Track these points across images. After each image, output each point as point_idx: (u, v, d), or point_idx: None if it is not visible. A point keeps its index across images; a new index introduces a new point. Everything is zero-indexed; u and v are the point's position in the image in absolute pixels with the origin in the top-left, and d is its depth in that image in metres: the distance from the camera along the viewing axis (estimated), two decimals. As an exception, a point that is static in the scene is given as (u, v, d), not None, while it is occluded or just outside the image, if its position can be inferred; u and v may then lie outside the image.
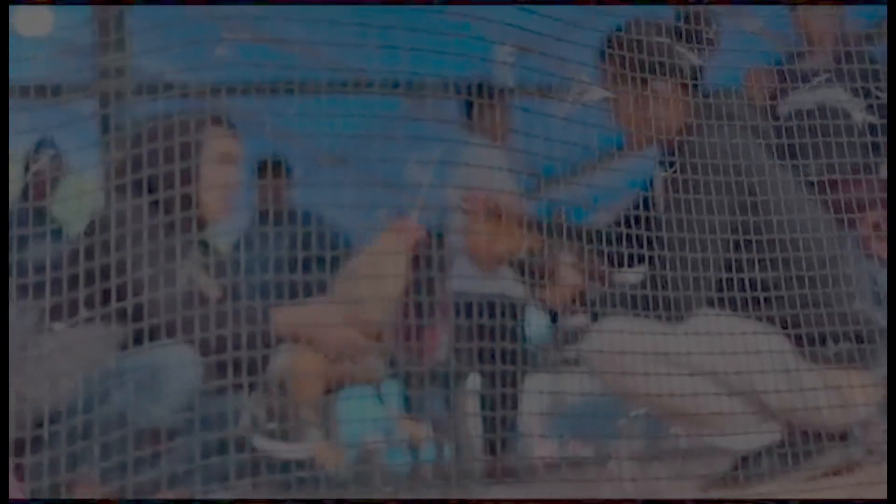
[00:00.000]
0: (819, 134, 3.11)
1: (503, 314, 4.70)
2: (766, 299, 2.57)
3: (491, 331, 4.81)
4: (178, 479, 2.68)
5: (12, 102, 6.19)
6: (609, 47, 2.79)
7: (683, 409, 2.61)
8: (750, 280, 2.58)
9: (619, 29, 2.83)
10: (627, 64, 2.75)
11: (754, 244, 2.58)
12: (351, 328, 2.66)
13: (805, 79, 4.21)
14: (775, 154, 2.84)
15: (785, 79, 4.26)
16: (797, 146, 2.91)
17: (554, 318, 5.87)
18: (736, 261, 2.59)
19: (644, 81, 2.75)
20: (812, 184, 2.89)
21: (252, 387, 2.59)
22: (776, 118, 4.13)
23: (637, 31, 2.80)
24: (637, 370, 2.57)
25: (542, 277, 2.81)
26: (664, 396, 2.58)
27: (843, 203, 3.05)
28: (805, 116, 3.97)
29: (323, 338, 2.66)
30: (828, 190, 3.03)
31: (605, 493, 3.24)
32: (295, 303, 2.75)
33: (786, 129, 3.58)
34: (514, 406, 4.82)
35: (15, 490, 2.78)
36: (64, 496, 2.62)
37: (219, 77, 6.23)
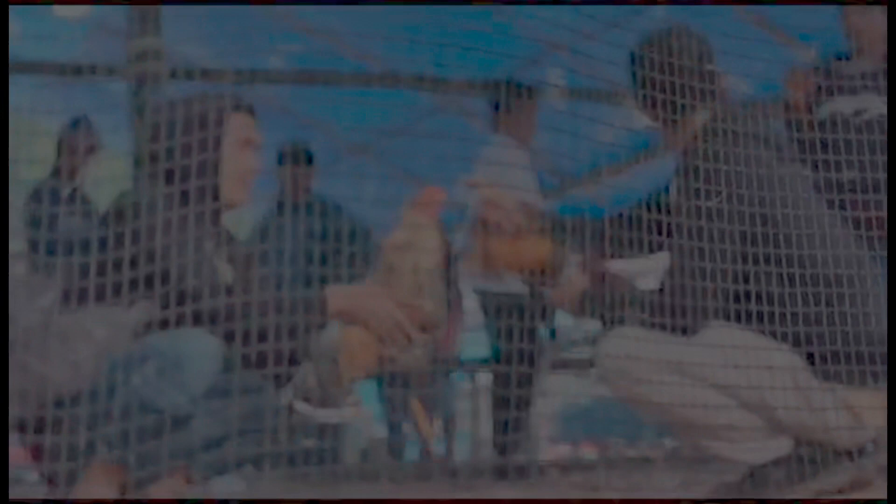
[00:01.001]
0: (854, 152, 3.10)
1: (518, 313, 4.73)
2: (780, 315, 2.58)
3: (506, 329, 4.86)
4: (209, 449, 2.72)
5: (48, 81, 6.24)
6: (640, 57, 2.80)
7: (694, 420, 2.62)
8: (766, 294, 2.58)
9: (648, 41, 2.84)
10: (657, 70, 2.76)
11: (771, 258, 2.58)
12: (400, 312, 2.68)
13: (850, 81, 4.18)
14: (804, 167, 2.84)
15: (828, 79, 4.24)
16: (831, 162, 2.90)
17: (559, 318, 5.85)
18: (749, 274, 2.60)
19: (673, 92, 2.76)
20: (839, 201, 2.88)
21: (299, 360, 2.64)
22: (814, 121, 4.11)
23: (664, 42, 2.81)
24: (648, 380, 2.58)
25: (551, 278, 2.82)
26: (675, 407, 2.59)
27: (873, 221, 3.05)
28: (843, 125, 3.97)
29: (373, 319, 2.69)
30: (860, 206, 3.02)
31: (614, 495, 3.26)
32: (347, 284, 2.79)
33: (819, 140, 3.56)
34: (527, 405, 4.84)
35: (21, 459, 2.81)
36: (80, 476, 2.66)
37: (249, 64, 6.27)
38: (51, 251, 2.67)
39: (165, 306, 2.68)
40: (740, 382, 2.56)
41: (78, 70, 5.42)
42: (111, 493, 2.66)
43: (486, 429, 5.63)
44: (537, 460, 6.39)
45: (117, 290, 2.69)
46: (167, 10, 4.46)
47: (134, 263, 2.68)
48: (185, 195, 2.80)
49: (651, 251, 2.84)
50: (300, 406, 2.62)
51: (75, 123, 5.92)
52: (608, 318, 2.69)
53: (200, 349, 2.60)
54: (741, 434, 2.62)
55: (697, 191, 2.59)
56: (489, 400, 5.02)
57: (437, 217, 2.78)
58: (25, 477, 4.76)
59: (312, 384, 2.61)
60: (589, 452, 8.90)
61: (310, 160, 6.10)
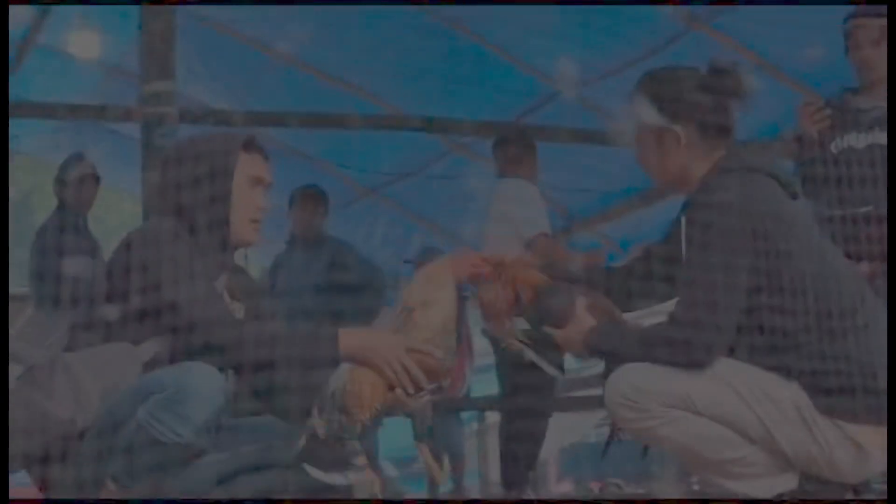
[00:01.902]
0: (868, 186, 3.06)
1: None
2: (785, 350, 2.59)
3: (515, 368, 4.86)
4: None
5: (62, 125, 6.28)
6: (638, 93, 2.82)
7: (702, 454, 2.63)
8: (772, 329, 2.60)
9: (649, 74, 2.87)
10: (655, 109, 2.79)
11: (772, 292, 2.60)
12: (410, 359, 2.71)
13: (862, 116, 4.20)
14: (810, 202, 2.85)
15: (839, 115, 4.25)
16: (845, 196, 2.88)
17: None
18: (755, 309, 2.62)
19: (669, 128, 2.78)
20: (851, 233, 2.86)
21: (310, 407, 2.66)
22: (827, 156, 4.13)
23: (666, 79, 2.84)
24: (657, 415, 2.59)
25: (558, 319, 2.83)
26: (683, 441, 2.60)
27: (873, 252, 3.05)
28: (856, 161, 3.99)
29: (383, 363, 2.69)
30: (873, 238, 3.01)
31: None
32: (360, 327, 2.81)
33: (833, 175, 3.56)
34: (536, 443, 4.85)
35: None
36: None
37: (261, 106, 6.34)
38: (57, 290, 2.70)
39: (175, 341, 2.72)
40: (748, 418, 2.57)
41: (91, 112, 5.47)
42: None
43: (494, 468, 5.63)
44: (547, 498, 6.38)
45: (125, 326, 2.73)
46: (179, 53, 4.52)
47: (143, 299, 2.72)
48: (195, 232, 2.84)
49: (662, 286, 2.86)
50: (309, 469, 2.63)
51: (72, 159, 5.91)
52: (615, 359, 2.71)
53: (204, 382, 2.62)
54: (748, 469, 2.62)
55: (708, 225, 2.61)
56: (497, 438, 5.01)
57: (463, 277, 2.79)
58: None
59: (323, 435, 2.63)
60: (596, 491, 8.85)
61: (323, 201, 6.14)
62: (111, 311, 2.74)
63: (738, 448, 2.60)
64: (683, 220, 2.70)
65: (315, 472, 2.61)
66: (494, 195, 5.09)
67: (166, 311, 2.71)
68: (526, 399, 4.70)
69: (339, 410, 2.61)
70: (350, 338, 2.73)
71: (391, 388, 2.66)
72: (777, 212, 2.64)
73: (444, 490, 7.56)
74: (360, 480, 2.61)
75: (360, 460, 2.61)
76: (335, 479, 2.61)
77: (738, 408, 2.57)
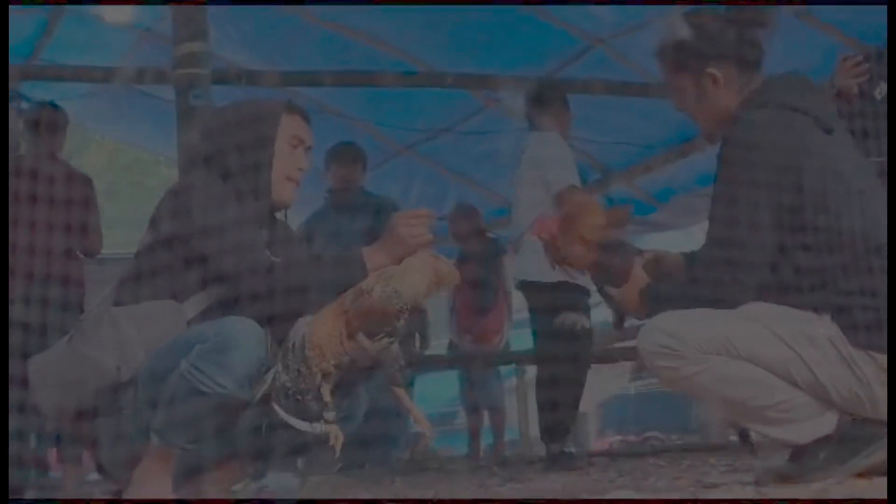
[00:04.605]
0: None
1: (567, 302, 4.73)
2: (816, 286, 2.58)
3: (552, 319, 4.86)
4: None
5: (95, 88, 6.27)
6: (670, 36, 2.81)
7: (743, 401, 2.61)
8: (799, 266, 2.59)
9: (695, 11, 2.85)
10: (687, 51, 2.78)
11: (803, 228, 2.58)
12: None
13: None
14: (848, 137, 2.82)
15: (880, 62, 4.22)
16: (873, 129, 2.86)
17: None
18: (785, 246, 2.61)
19: (703, 67, 2.78)
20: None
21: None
22: (869, 106, 4.10)
23: (696, 18, 2.83)
24: (695, 360, 2.58)
25: (616, 278, 2.82)
26: (722, 387, 2.59)
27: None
28: None
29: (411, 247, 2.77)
30: None
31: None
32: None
33: (875, 121, 3.53)
34: (576, 394, 4.85)
35: (85, 459, 2.87)
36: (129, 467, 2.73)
37: (294, 66, 6.32)
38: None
39: (213, 291, 2.78)
40: (790, 359, 2.54)
41: (124, 75, 5.48)
42: (165, 482, 2.72)
43: (534, 422, 5.65)
44: (586, 450, 6.39)
45: (170, 280, 2.79)
46: (212, 15, 4.53)
47: (185, 249, 2.80)
48: (234, 188, 2.89)
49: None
50: (276, 407, 2.66)
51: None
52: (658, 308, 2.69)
53: (246, 334, 2.68)
54: (788, 415, 2.58)
55: (738, 162, 2.60)
56: (536, 392, 5.01)
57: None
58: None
59: (285, 382, 2.65)
60: (636, 443, 8.89)
61: (361, 157, 6.13)
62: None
63: (780, 392, 2.55)
64: (718, 159, 2.69)
65: (282, 413, 2.65)
66: (524, 149, 5.08)
67: (208, 260, 2.79)
68: (565, 349, 4.70)
69: (301, 361, 2.64)
70: (373, 254, 2.83)
71: (350, 335, 2.65)
72: (809, 147, 2.61)
73: (485, 444, 7.62)
74: (321, 433, 2.64)
75: (329, 416, 2.63)
76: (300, 424, 2.64)
77: (778, 349, 2.54)
